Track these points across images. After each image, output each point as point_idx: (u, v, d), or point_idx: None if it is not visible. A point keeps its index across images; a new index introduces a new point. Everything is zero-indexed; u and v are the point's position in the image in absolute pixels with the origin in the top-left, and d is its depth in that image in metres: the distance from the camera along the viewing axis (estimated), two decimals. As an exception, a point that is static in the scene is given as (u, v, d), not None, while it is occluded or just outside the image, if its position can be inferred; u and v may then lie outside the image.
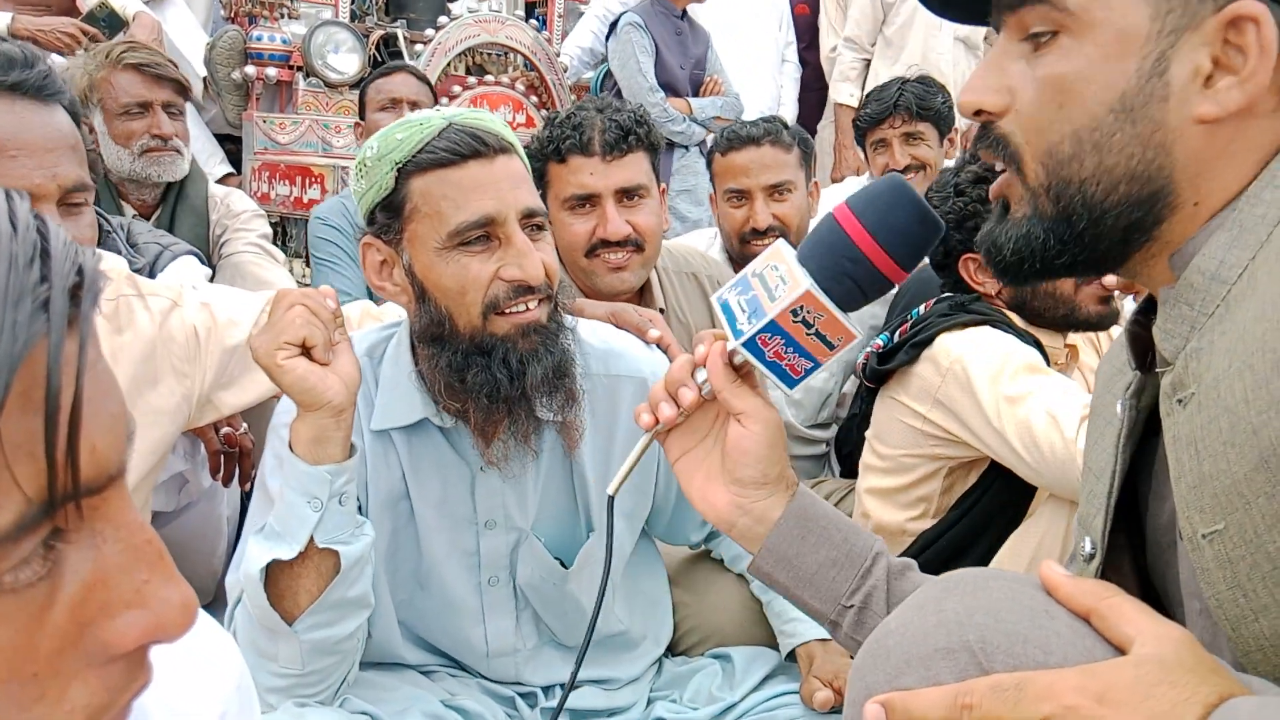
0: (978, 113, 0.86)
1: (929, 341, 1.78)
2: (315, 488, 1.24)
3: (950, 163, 3.17)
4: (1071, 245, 0.83)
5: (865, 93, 3.30)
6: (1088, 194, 0.81)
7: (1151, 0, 0.77)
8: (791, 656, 1.62)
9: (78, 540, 0.44)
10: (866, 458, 1.93)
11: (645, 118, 2.04)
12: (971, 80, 0.86)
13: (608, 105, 2.03)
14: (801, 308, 0.92)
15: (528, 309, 1.32)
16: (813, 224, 2.81)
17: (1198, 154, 0.78)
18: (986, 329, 1.78)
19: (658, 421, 1.00)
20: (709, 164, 2.67)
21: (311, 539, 1.25)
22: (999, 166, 0.87)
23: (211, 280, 2.79)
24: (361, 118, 3.19)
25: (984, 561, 1.80)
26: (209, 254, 2.84)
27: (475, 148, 1.29)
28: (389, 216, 1.34)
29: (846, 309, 0.94)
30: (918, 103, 3.04)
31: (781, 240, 1.00)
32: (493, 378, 1.30)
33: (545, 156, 2.02)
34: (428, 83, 3.21)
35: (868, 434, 1.92)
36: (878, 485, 1.87)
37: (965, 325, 1.82)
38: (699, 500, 1.02)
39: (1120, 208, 0.81)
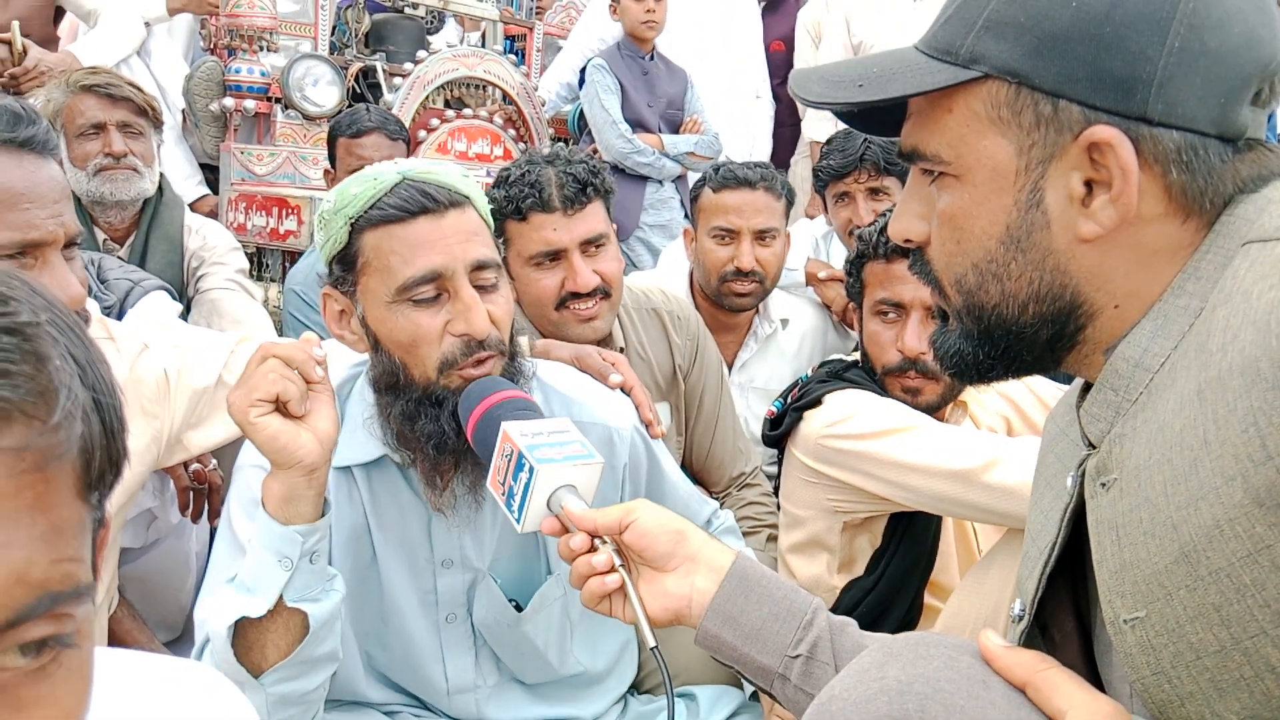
0: (907, 241, 0.91)
1: (816, 403, 1.81)
2: (286, 547, 1.23)
3: None
4: (1000, 359, 0.88)
5: (828, 139, 3.06)
6: (1002, 316, 0.85)
7: (1014, 138, 0.81)
8: (755, 696, 1.64)
9: None
10: (781, 517, 1.96)
11: (598, 167, 2.06)
12: (897, 210, 0.91)
13: (557, 158, 2.04)
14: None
15: (480, 365, 1.33)
16: (785, 269, 2.78)
17: (1096, 267, 0.81)
18: (864, 392, 1.81)
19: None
20: (695, 198, 2.62)
21: (280, 596, 1.25)
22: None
23: (187, 314, 2.78)
24: (331, 162, 3.12)
25: (909, 616, 1.85)
26: (184, 285, 2.82)
27: (424, 204, 1.31)
28: (344, 269, 1.36)
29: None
30: (884, 156, 2.87)
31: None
32: (440, 429, 1.32)
33: (504, 215, 2.01)
34: (403, 137, 3.13)
35: (780, 495, 1.95)
36: (789, 541, 1.90)
37: (844, 389, 1.85)
38: (660, 614, 1.09)
39: (1036, 324, 0.84)
